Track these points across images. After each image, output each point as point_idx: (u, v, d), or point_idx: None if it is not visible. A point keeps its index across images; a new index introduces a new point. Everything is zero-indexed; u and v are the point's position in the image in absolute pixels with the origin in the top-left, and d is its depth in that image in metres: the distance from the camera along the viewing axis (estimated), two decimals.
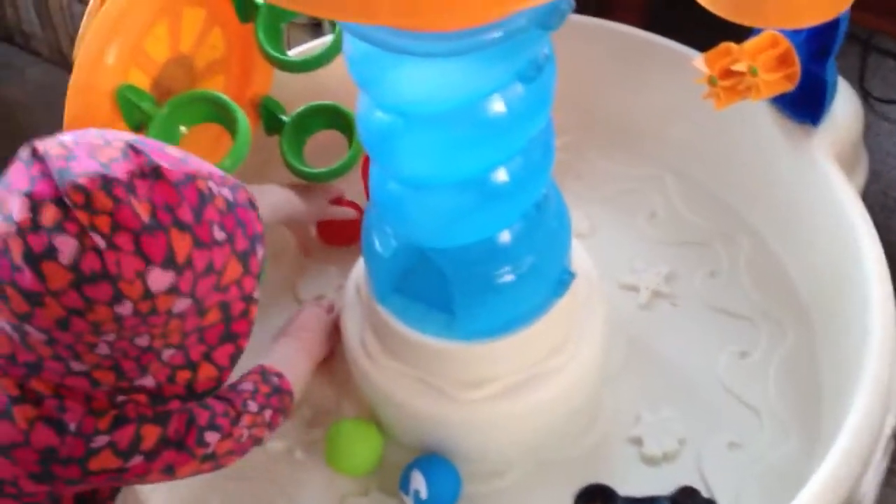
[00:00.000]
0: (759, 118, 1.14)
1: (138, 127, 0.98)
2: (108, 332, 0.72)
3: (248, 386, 0.92)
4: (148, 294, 0.71)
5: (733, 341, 1.11)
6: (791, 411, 1.05)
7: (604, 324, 1.03)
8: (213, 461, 0.87)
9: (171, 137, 0.97)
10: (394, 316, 0.98)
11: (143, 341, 0.74)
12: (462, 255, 0.90)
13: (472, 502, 1.01)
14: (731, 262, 1.18)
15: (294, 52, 1.18)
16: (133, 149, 0.72)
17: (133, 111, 0.97)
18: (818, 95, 1.06)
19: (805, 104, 1.07)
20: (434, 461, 1.00)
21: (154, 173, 0.71)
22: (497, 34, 0.73)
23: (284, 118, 1.15)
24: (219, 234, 0.74)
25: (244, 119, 0.98)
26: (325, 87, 1.18)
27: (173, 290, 0.72)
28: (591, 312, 1.03)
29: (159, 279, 0.71)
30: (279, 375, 0.96)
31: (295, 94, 1.17)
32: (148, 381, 0.78)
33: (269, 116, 1.15)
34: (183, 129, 0.99)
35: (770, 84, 1.00)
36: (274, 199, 1.08)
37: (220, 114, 0.99)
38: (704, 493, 1.00)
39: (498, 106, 0.80)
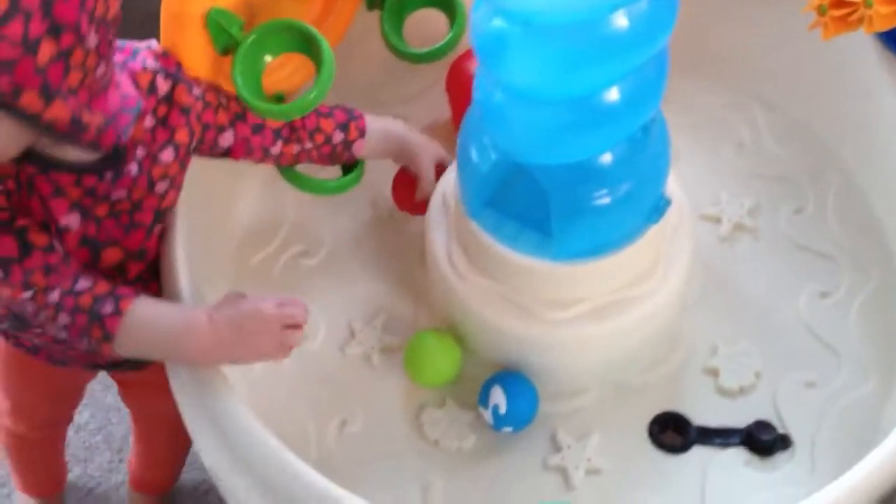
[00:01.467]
0: (861, 52, 1.11)
1: (226, 51, 0.96)
2: None
3: (84, 283, 0.85)
4: None
5: (815, 280, 1.10)
6: (870, 354, 1.04)
7: (691, 253, 1.02)
8: None
9: (255, 65, 0.96)
10: (485, 232, 0.97)
11: None
12: (564, 173, 0.89)
13: (549, 420, 1.01)
14: (818, 199, 1.16)
15: None
16: None
17: (221, 35, 0.95)
18: None
19: None
20: (514, 378, 1.00)
21: None
22: None
23: None
24: None
25: (329, 52, 0.95)
26: None
27: None
28: (680, 241, 1.02)
29: None
30: (117, 312, 0.84)
31: None
32: None
33: None
34: (268, 57, 0.97)
35: (885, 17, 0.97)
36: (384, 124, 1.07)
37: (304, 44, 0.97)
38: (779, 429, 1.00)
39: (623, 21, 0.78)
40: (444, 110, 1.24)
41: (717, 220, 1.15)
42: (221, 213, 1.14)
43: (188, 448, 1.31)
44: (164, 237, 0.96)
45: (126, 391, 1.23)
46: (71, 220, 0.87)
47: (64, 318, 0.84)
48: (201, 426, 0.90)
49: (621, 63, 0.81)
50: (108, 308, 0.84)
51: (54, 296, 0.84)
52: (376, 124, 1.08)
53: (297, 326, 0.88)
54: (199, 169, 0.98)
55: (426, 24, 1.17)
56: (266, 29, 0.95)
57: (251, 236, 1.17)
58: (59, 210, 0.86)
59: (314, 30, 0.95)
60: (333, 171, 1.12)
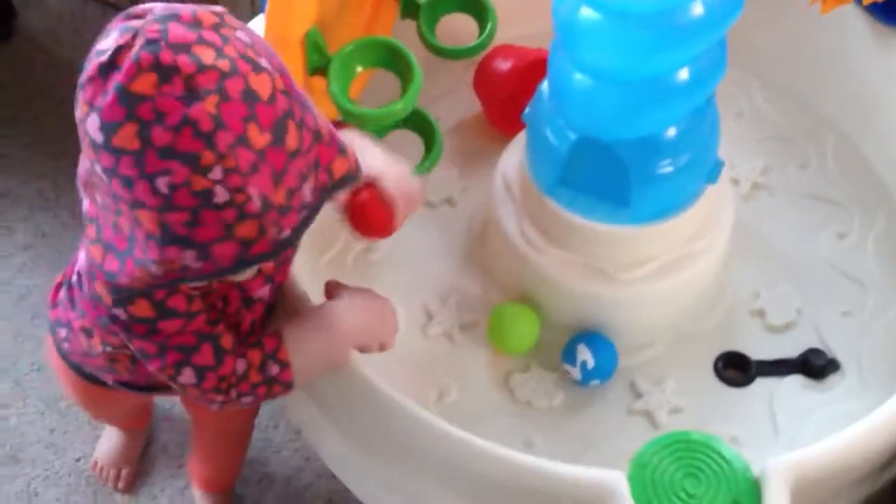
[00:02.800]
0: (848, 22, 1.25)
1: (315, 71, 1.03)
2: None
3: (240, 366, 0.88)
4: None
5: (830, 224, 1.24)
6: (891, 281, 1.19)
7: (734, 208, 1.15)
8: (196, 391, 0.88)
9: (349, 75, 1.04)
10: (559, 205, 1.07)
11: None
12: (640, 146, 1.00)
13: (628, 371, 1.12)
14: (819, 155, 1.30)
15: None
16: None
17: (314, 54, 1.02)
18: None
19: None
20: (595, 336, 1.11)
21: None
22: None
23: (420, 1, 1.20)
24: None
25: (418, 69, 1.04)
26: None
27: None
28: (725, 197, 1.14)
29: None
30: (283, 365, 0.89)
31: None
32: None
33: (406, 1, 1.20)
34: (359, 68, 1.06)
35: None
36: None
37: (392, 59, 1.05)
38: (828, 355, 1.13)
39: (699, 8, 0.90)
40: (471, 107, 1.34)
41: (737, 182, 1.28)
42: None
43: (246, 450, 1.37)
44: None
45: (188, 403, 1.26)
46: (264, 292, 0.91)
47: (247, 399, 0.89)
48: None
49: (698, 45, 0.93)
50: (274, 368, 0.88)
51: (234, 392, 0.88)
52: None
53: None
54: None
55: (456, 27, 1.26)
56: (362, 43, 1.04)
57: (315, 241, 1.24)
58: (255, 287, 0.90)
59: (404, 47, 1.04)
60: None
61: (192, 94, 0.69)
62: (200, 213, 0.71)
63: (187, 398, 1.23)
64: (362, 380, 0.96)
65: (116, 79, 0.69)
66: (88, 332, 0.93)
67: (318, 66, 1.04)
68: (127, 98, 0.69)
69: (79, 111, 0.72)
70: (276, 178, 0.73)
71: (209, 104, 0.69)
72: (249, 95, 0.71)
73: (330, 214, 1.25)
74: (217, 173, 0.70)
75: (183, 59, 0.69)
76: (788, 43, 1.34)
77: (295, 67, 1.01)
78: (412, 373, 1.13)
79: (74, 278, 0.93)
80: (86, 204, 0.80)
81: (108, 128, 0.70)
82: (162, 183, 0.70)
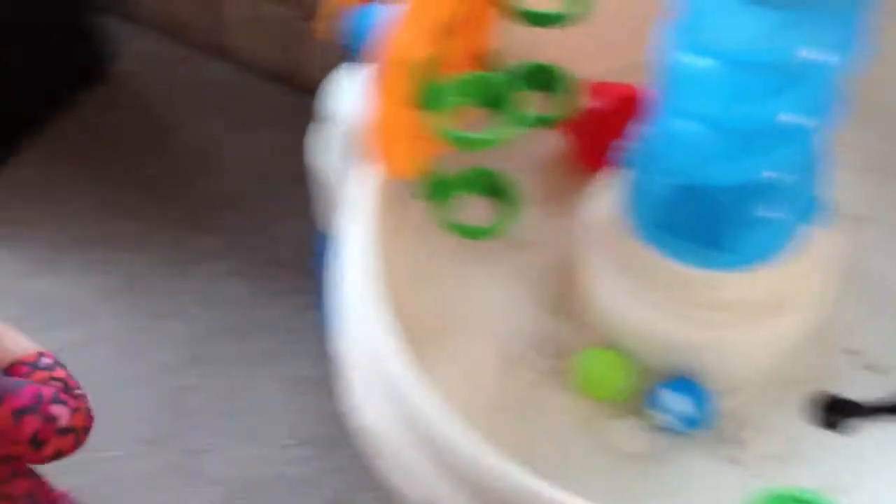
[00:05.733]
0: None
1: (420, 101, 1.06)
2: None
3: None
4: None
5: None
6: None
7: (839, 250, 1.11)
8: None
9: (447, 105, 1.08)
10: (657, 251, 1.05)
11: None
12: (741, 190, 0.97)
13: (720, 417, 1.09)
14: None
15: None
16: None
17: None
18: None
19: None
20: (686, 382, 1.08)
21: None
22: None
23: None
24: None
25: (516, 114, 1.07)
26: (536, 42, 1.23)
27: None
28: (827, 238, 1.09)
29: None
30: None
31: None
32: None
33: None
34: (457, 101, 1.09)
35: None
36: None
37: (491, 98, 1.09)
38: None
39: (811, 53, 0.87)
40: (555, 144, 1.32)
41: (837, 214, 1.21)
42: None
43: None
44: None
45: None
46: None
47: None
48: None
49: (807, 91, 0.90)
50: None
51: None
52: None
53: None
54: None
55: None
56: (466, 76, 1.08)
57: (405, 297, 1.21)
58: None
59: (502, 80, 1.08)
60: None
61: None
62: None
63: None
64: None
65: None
66: None
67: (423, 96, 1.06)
68: None
69: None
70: None
71: None
72: None
73: (420, 275, 1.24)
74: None
75: None
76: None
77: (399, 91, 1.03)
78: (503, 421, 1.11)
79: None
80: None
81: None
82: None
